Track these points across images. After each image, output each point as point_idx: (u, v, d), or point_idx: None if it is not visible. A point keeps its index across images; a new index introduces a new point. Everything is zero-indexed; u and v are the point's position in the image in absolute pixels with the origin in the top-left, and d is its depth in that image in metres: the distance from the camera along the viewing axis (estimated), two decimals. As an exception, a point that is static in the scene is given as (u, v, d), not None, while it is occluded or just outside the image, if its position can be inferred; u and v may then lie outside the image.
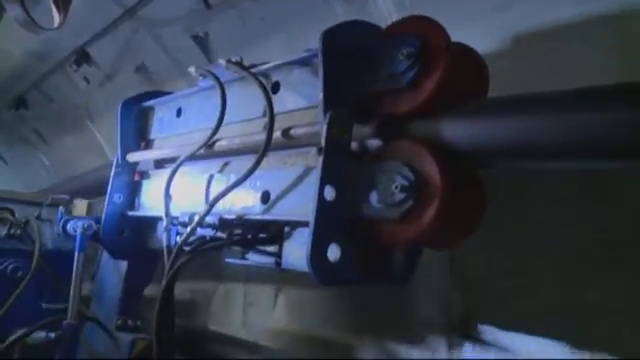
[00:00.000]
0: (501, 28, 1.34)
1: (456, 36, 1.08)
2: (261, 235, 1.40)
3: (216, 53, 2.29)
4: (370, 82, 1.15)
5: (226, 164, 1.54)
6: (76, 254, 1.70)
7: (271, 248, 1.37)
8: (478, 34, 1.31)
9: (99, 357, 1.82)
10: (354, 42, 1.17)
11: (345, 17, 1.61)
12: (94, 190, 2.60)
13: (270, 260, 1.40)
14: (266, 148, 1.23)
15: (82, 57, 3.04)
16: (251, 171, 1.25)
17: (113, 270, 1.89)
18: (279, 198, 1.30)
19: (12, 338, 1.60)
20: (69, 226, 1.73)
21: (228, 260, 1.63)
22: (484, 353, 1.40)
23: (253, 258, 1.49)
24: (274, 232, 1.37)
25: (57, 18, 2.22)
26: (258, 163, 1.24)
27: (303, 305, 2.02)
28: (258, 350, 2.08)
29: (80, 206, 2.59)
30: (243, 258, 1.54)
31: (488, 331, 1.40)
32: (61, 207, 2.03)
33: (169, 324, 1.48)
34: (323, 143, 1.10)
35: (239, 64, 1.37)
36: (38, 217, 2.24)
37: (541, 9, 1.29)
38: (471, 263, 1.49)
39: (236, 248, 1.51)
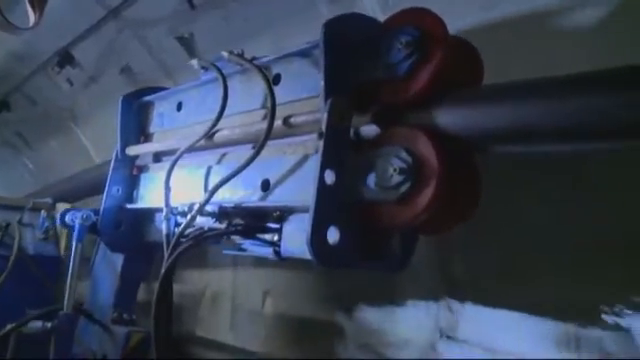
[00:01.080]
0: (487, 26, 1.37)
1: None
2: (260, 224, 1.43)
3: (201, 54, 2.28)
4: (369, 71, 1.19)
5: (224, 155, 1.57)
6: (74, 244, 1.71)
7: (270, 237, 1.40)
8: (462, 33, 1.35)
9: (93, 351, 1.82)
10: (354, 33, 1.22)
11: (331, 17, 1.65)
12: (85, 191, 2.60)
13: (268, 250, 1.42)
14: (268, 134, 1.26)
15: (65, 59, 3.01)
16: (253, 157, 1.28)
17: (108, 265, 1.90)
18: (279, 185, 1.33)
19: (9, 327, 1.60)
20: (68, 217, 1.74)
21: (226, 251, 1.65)
22: (471, 354, 1.42)
23: (251, 249, 1.52)
24: (273, 220, 1.40)
25: (32, 18, 2.20)
26: (260, 149, 1.27)
27: (292, 307, 2.03)
28: (246, 355, 2.08)
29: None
30: (241, 249, 1.56)
31: (475, 332, 1.43)
32: (43, 211, 2.03)
33: (167, 312, 1.50)
34: (324, 128, 1.13)
35: (241, 56, 1.40)
36: (19, 221, 2.24)
37: (526, 7, 1.33)
38: (460, 262, 1.52)
39: (235, 238, 1.54)
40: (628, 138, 0.94)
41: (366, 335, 1.71)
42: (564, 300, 1.27)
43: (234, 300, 2.26)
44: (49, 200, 2.57)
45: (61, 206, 2.60)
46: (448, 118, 1.10)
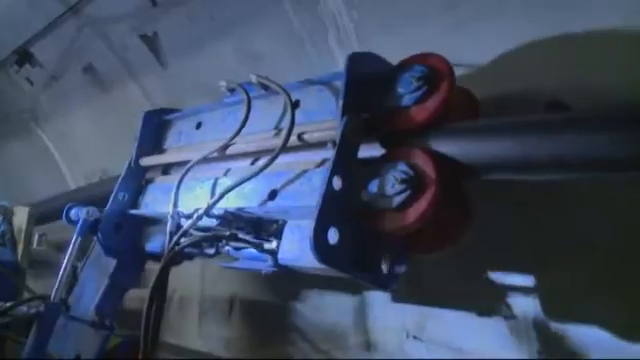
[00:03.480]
0: (452, 26, 1.46)
1: (408, 32, 1.25)
2: (260, 232, 1.52)
3: (166, 54, 2.28)
4: (381, 100, 1.35)
5: (229, 170, 1.68)
6: (74, 237, 1.76)
7: (267, 246, 1.48)
8: (430, 32, 1.44)
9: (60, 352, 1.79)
10: (370, 68, 1.39)
11: (296, 17, 1.74)
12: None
13: (262, 265, 1.50)
14: (285, 144, 1.39)
15: (24, 57, 2.93)
16: (268, 163, 1.40)
17: (99, 269, 1.92)
18: (285, 195, 1.44)
19: (-2, 308, 1.60)
20: (72, 212, 1.80)
21: (221, 264, 1.72)
22: (438, 354, 1.47)
23: (246, 263, 1.59)
24: (273, 229, 1.49)
25: None
26: (276, 156, 1.40)
27: (257, 310, 2.01)
28: None
29: (21, 214, 2.56)
30: (235, 259, 1.63)
31: (441, 332, 1.48)
32: None
33: (158, 310, 1.53)
34: (337, 139, 1.27)
35: (267, 78, 1.57)
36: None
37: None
38: (427, 268, 1.58)
39: (231, 249, 1.61)
40: (614, 170, 1.07)
41: (333, 336, 1.72)
42: (526, 299, 1.35)
43: (202, 305, 2.23)
44: (5, 203, 2.55)
45: (19, 210, 2.57)
46: (448, 144, 1.25)
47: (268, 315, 2.00)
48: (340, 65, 1.72)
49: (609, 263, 1.22)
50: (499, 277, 1.41)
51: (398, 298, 1.61)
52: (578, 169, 1.10)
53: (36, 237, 2.59)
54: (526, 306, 1.36)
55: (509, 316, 1.38)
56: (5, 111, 3.54)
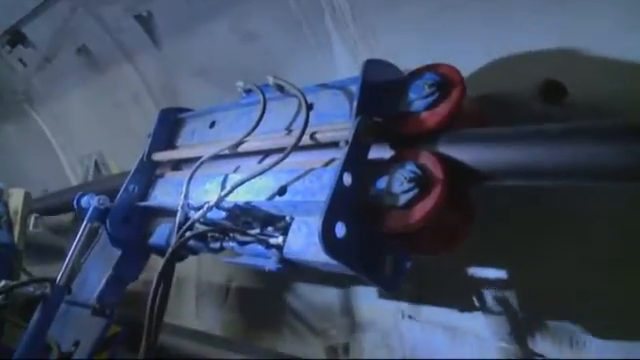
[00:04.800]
0: (448, 5, 1.43)
1: (404, 11, 1.28)
2: (268, 228, 1.56)
3: (160, 34, 2.26)
4: (394, 105, 1.41)
5: (239, 167, 1.73)
6: (84, 223, 1.79)
7: (274, 241, 1.52)
8: (425, 11, 1.43)
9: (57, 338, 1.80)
10: (383, 75, 1.45)
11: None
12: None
13: (265, 261, 1.53)
14: (298, 140, 1.44)
15: (16, 37, 2.88)
16: (282, 159, 1.45)
17: (104, 259, 1.95)
18: (294, 191, 1.48)
19: (4, 283, 1.62)
20: (84, 200, 1.83)
21: (225, 259, 1.75)
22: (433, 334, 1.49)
23: (249, 259, 1.62)
24: (280, 226, 1.53)
25: None
26: (288, 153, 1.45)
27: (255, 294, 2.01)
28: (211, 340, 2.05)
29: (17, 196, 2.57)
30: (238, 255, 1.66)
31: (435, 312, 1.49)
32: None
33: (162, 298, 1.56)
34: (350, 138, 1.32)
35: (284, 80, 1.63)
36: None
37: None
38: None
39: (236, 245, 1.65)
40: (623, 180, 1.11)
41: (330, 316, 1.73)
42: (523, 283, 1.37)
43: (199, 286, 2.22)
44: (0, 185, 2.55)
45: (15, 192, 2.57)
46: (457, 149, 1.29)
47: (265, 296, 2.00)
48: (335, 47, 1.76)
49: (608, 250, 1.25)
50: (495, 260, 1.45)
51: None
52: (587, 178, 1.15)
53: (32, 219, 2.59)
54: (522, 290, 1.39)
55: (504, 298, 1.41)
56: (-1, 93, 3.51)
